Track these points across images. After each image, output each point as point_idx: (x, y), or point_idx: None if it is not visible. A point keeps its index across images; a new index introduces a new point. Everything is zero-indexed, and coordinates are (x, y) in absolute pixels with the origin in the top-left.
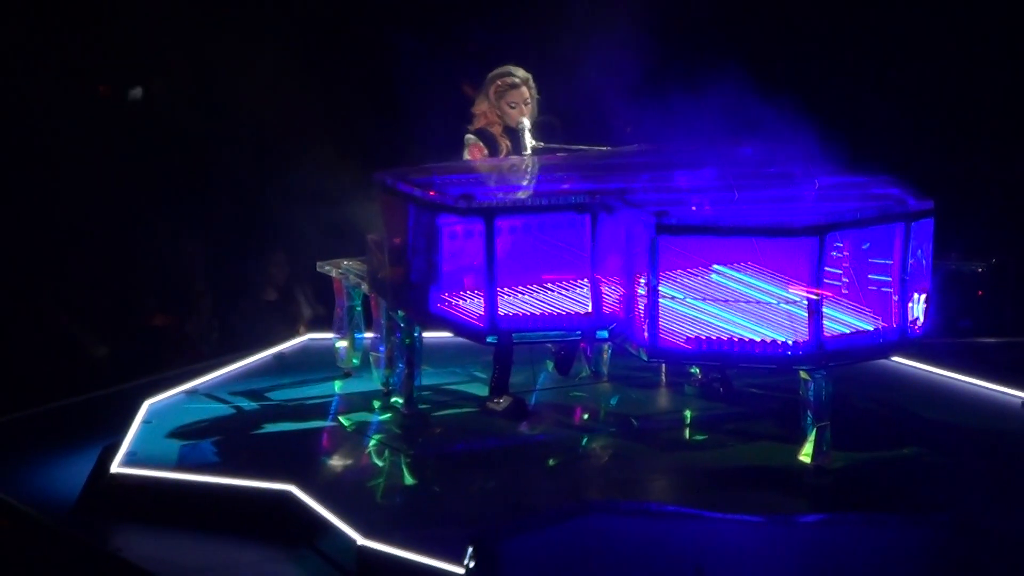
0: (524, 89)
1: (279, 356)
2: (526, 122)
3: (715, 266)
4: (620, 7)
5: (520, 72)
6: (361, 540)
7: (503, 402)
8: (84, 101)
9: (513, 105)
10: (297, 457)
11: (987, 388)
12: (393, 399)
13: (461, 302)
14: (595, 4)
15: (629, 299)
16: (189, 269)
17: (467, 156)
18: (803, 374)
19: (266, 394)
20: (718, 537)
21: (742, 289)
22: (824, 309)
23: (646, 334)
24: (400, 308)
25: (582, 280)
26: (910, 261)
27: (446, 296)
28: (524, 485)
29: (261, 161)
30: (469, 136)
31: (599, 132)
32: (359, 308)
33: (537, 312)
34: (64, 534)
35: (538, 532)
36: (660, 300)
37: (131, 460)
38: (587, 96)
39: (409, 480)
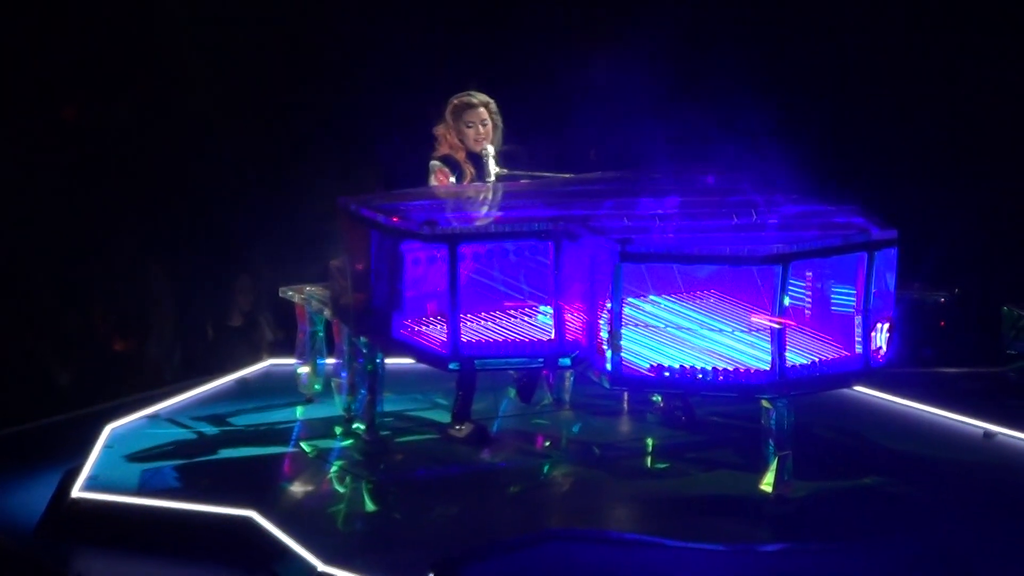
0: (481, 110)
1: (241, 381)
2: (490, 148)
3: (675, 295)
4: (584, 36)
5: (479, 95)
6: (322, 566)
7: (465, 429)
8: (44, 121)
9: (469, 125)
10: (258, 483)
11: (949, 418)
12: (355, 425)
13: (424, 328)
14: (560, 34)
15: (592, 326)
16: (152, 292)
17: (433, 182)
18: (765, 403)
19: (228, 419)
20: (679, 566)
21: (703, 318)
22: (786, 337)
23: (608, 362)
24: (362, 334)
25: (545, 307)
26: (873, 290)
27: (409, 322)
28: (485, 512)
29: (227, 185)
30: (434, 162)
31: (563, 159)
32: (321, 334)
33: (500, 339)
34: (25, 558)
35: (499, 559)
36: (623, 327)
37: (92, 484)
38: (552, 123)
39: (370, 506)
